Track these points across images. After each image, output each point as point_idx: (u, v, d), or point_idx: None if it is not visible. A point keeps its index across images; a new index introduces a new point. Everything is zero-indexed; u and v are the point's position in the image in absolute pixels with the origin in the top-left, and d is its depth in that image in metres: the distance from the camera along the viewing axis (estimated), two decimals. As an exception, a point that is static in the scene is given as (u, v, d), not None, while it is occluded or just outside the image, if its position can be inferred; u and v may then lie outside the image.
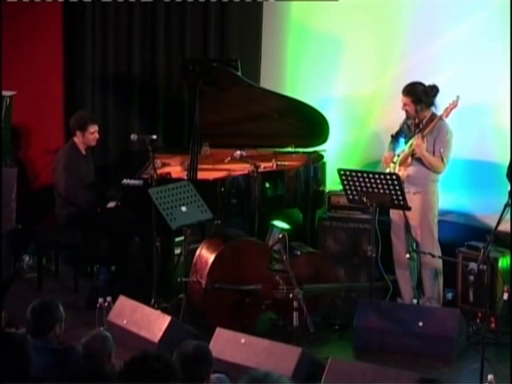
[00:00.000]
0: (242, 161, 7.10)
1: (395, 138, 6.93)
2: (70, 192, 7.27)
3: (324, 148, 7.68)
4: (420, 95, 6.64)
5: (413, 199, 6.65)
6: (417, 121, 6.75)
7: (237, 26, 8.36)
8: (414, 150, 6.67)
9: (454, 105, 6.51)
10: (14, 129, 8.09)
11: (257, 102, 7.44)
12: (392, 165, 6.81)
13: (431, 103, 6.69)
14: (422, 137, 6.62)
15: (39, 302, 4.62)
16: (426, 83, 6.70)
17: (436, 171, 6.72)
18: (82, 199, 7.27)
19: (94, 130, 7.43)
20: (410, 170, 6.74)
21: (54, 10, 8.38)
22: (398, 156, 6.82)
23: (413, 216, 6.74)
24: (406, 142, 6.85)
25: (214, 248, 6.55)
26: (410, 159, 6.74)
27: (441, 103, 6.68)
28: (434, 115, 6.71)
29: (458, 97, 6.48)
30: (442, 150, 6.65)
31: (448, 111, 6.55)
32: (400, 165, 6.78)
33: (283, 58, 8.20)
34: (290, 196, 7.40)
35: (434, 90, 6.68)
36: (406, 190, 6.56)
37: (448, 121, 6.65)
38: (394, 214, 6.87)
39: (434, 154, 6.68)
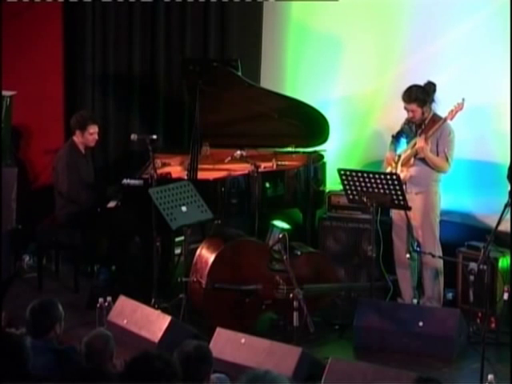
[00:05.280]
0: (242, 161, 7.10)
1: (396, 138, 6.93)
2: (72, 191, 7.28)
3: (324, 148, 7.68)
4: (423, 97, 6.62)
5: (415, 199, 6.65)
6: (419, 122, 6.73)
7: (237, 26, 8.36)
8: (417, 151, 6.66)
9: (460, 107, 6.46)
10: (14, 129, 8.09)
11: (257, 101, 7.43)
12: (394, 165, 6.81)
13: (432, 100, 6.68)
14: (426, 139, 6.61)
15: (38, 302, 4.62)
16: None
17: (441, 171, 6.71)
18: (83, 198, 7.28)
19: (93, 130, 7.44)
20: (413, 171, 6.73)
21: (54, 9, 8.38)
22: (400, 156, 6.82)
23: (414, 216, 6.74)
24: (407, 143, 6.84)
25: (214, 248, 6.55)
26: (412, 160, 6.72)
27: (442, 103, 6.68)
28: (435, 115, 6.69)
29: (463, 99, 6.44)
30: (445, 149, 6.64)
31: (453, 113, 6.50)
32: (403, 165, 6.77)
33: (283, 57, 8.20)
34: (290, 196, 7.40)
35: (432, 87, 6.67)
36: (408, 191, 6.57)
37: (449, 121, 6.64)
38: (396, 215, 6.87)
39: (437, 154, 6.67)
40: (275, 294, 6.50)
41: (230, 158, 7.23)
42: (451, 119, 6.56)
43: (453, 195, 7.16)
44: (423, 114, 6.67)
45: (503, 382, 5.34)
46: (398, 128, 6.95)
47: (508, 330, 6.24)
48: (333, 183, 7.43)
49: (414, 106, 6.64)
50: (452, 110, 6.52)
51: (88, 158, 7.58)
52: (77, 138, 7.45)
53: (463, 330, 6.20)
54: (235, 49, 8.35)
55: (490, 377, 4.76)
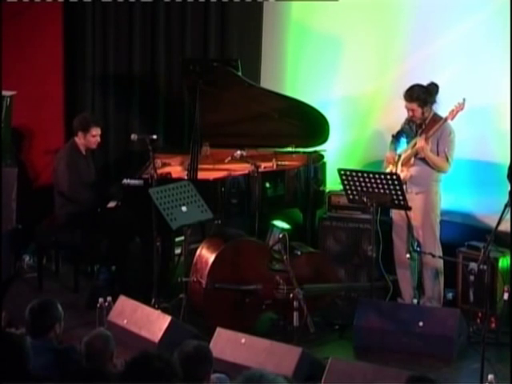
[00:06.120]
0: (242, 161, 7.10)
1: (396, 138, 6.93)
2: (72, 191, 7.28)
3: (324, 148, 7.68)
4: (424, 97, 6.61)
5: (415, 199, 6.65)
6: (419, 121, 6.74)
7: (237, 26, 8.36)
8: (417, 151, 6.66)
9: (460, 107, 6.46)
10: (15, 129, 8.09)
11: (257, 101, 7.43)
12: (394, 164, 6.80)
13: (434, 101, 6.68)
14: (426, 138, 6.61)
15: (38, 302, 4.62)
16: (425, 83, 6.70)
17: (441, 171, 6.71)
18: (84, 199, 7.28)
19: (96, 133, 7.44)
20: (413, 171, 6.73)
21: (54, 9, 8.39)
22: (400, 156, 6.81)
23: (415, 216, 6.74)
24: (407, 142, 6.84)
25: (215, 248, 6.55)
26: (413, 159, 6.72)
27: (442, 103, 6.68)
28: (436, 115, 6.69)
29: (464, 99, 6.44)
30: (446, 149, 6.63)
31: (454, 114, 6.49)
32: (403, 165, 6.77)
33: (283, 57, 8.20)
34: (290, 196, 7.39)
35: (434, 89, 6.66)
36: (408, 190, 6.58)
37: (449, 121, 6.63)
38: (396, 215, 6.87)
39: (437, 154, 6.67)
40: (275, 293, 6.50)
41: (230, 158, 7.22)
42: (452, 119, 6.56)
43: (453, 195, 7.16)
44: (423, 114, 6.67)
45: (503, 382, 5.34)
46: (398, 128, 6.95)
47: (508, 329, 6.24)
48: (333, 183, 7.43)
49: (414, 106, 6.64)
50: (453, 110, 6.51)
51: (89, 159, 7.58)
52: (79, 140, 7.45)
53: (463, 330, 6.20)
54: (235, 49, 8.35)
55: (490, 377, 4.76)
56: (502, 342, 6.22)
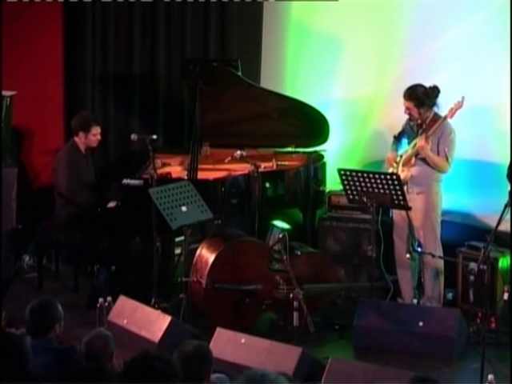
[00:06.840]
0: (242, 161, 7.10)
1: (397, 138, 6.94)
2: (71, 191, 7.28)
3: (324, 148, 7.68)
4: (422, 98, 6.62)
5: (416, 199, 6.65)
6: (419, 121, 6.74)
7: (237, 26, 8.36)
8: (417, 150, 6.66)
9: (459, 105, 6.47)
10: (15, 129, 8.09)
11: (257, 101, 7.44)
12: (395, 165, 6.81)
13: (433, 104, 6.68)
14: (426, 138, 6.61)
15: (37, 302, 4.62)
16: (427, 83, 6.69)
17: (441, 171, 6.71)
18: (82, 199, 7.28)
19: (96, 131, 7.46)
20: (414, 171, 6.73)
21: (54, 9, 8.39)
22: (401, 157, 6.82)
23: (416, 216, 6.73)
24: (409, 143, 6.84)
25: (215, 248, 6.55)
26: (413, 159, 6.72)
27: (441, 103, 6.68)
28: (436, 115, 6.70)
29: (463, 97, 6.44)
30: (446, 149, 6.64)
31: (453, 112, 6.51)
32: (404, 165, 6.77)
33: (283, 57, 8.20)
34: (290, 196, 7.40)
35: (435, 91, 6.66)
36: (409, 191, 6.59)
37: (449, 120, 6.63)
38: (397, 215, 6.86)
39: (438, 153, 6.67)
40: (275, 293, 6.51)
41: (230, 158, 7.22)
42: (451, 117, 6.56)
43: (453, 195, 7.16)
44: (420, 114, 6.68)
45: (503, 382, 5.34)
46: (398, 128, 6.96)
47: (508, 330, 6.23)
48: (333, 183, 7.43)
49: (410, 104, 6.66)
50: (452, 108, 6.52)
51: (88, 159, 7.59)
52: (79, 140, 7.46)
53: (463, 330, 6.20)
54: (235, 49, 8.35)
55: (490, 377, 4.76)
56: (501, 342, 6.22)
